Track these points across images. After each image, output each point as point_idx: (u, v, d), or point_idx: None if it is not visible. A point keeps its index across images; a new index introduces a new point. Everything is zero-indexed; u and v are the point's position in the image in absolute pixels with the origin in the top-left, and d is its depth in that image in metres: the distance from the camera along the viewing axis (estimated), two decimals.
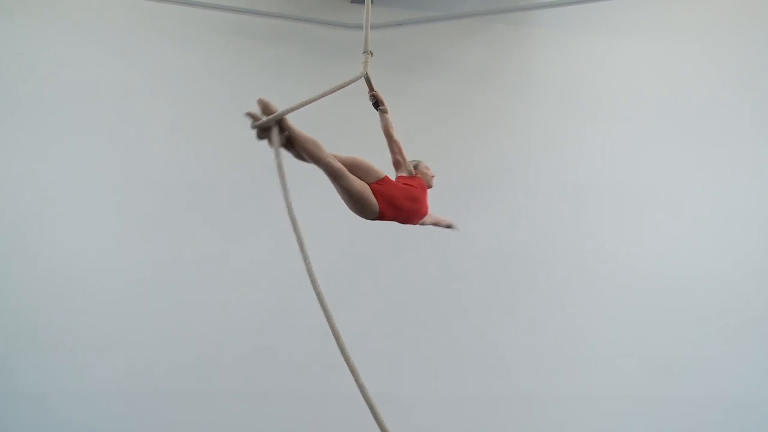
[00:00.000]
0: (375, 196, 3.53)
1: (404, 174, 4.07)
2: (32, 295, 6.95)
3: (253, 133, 3.16)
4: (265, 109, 3.16)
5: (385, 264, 7.11)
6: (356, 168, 3.53)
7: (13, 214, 7.10)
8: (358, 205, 3.50)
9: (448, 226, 4.45)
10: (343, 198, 3.49)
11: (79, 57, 7.49)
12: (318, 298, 2.79)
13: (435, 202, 7.04)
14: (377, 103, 4.22)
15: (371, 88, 4.22)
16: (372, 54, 4.06)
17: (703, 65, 7.56)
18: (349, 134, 6.81)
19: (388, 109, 4.22)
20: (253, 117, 3.14)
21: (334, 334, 2.65)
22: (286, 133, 3.24)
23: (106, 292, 6.99)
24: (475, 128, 7.48)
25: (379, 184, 3.57)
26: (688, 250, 7.19)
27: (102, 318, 6.94)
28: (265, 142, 3.19)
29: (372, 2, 7.41)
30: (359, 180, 3.49)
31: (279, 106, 7.59)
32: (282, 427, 6.86)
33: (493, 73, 7.62)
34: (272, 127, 3.16)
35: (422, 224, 4.06)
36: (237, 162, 7.33)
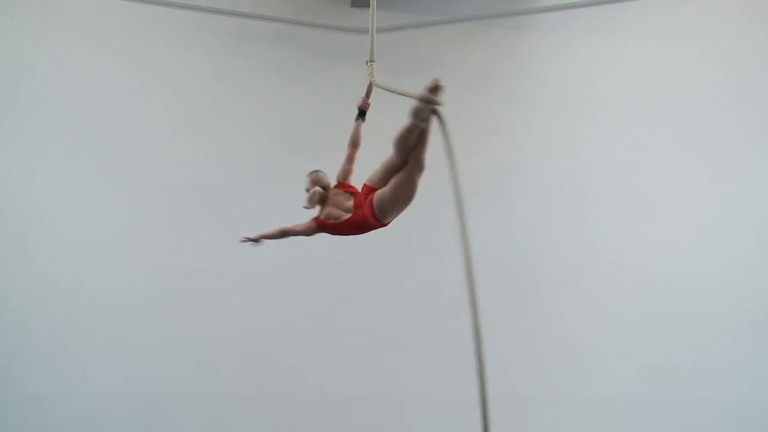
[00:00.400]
0: None
1: (348, 183, 4.12)
2: (32, 297, 6.95)
3: (420, 104, 3.43)
4: (437, 92, 3.36)
5: (385, 268, 7.14)
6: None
7: (13, 215, 7.10)
8: (404, 202, 3.73)
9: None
10: (401, 189, 3.70)
11: (79, 58, 7.49)
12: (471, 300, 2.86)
13: (435, 206, 7.07)
14: (364, 112, 4.29)
15: (368, 96, 4.31)
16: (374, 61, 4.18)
17: (705, 68, 7.57)
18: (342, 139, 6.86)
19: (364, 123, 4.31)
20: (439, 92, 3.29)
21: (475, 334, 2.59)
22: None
23: (105, 294, 6.99)
24: (475, 132, 7.49)
25: None
26: (687, 252, 7.20)
27: (102, 320, 6.94)
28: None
29: (361, 6, 7.49)
30: None
31: (278, 108, 7.63)
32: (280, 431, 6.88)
33: (493, 77, 7.64)
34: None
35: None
36: (237, 164, 7.34)
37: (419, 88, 6.79)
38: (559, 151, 7.46)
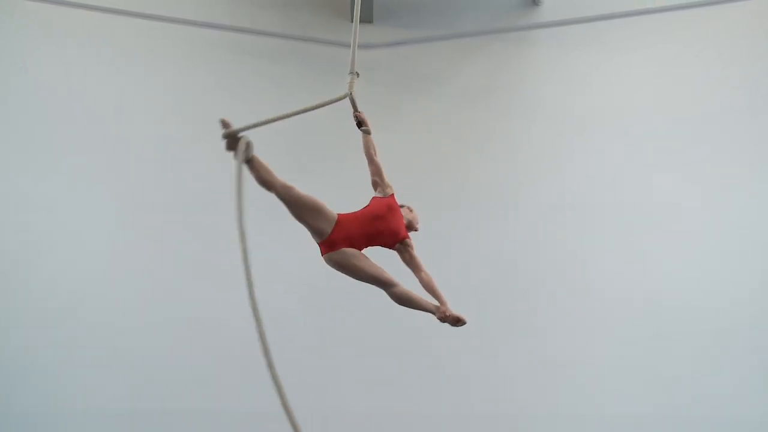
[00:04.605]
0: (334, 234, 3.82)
1: (380, 195, 4.11)
2: (30, 312, 6.91)
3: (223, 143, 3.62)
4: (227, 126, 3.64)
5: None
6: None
7: (10, 232, 7.09)
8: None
9: (447, 317, 4.19)
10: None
11: (78, 75, 7.52)
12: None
13: (432, 219, 7.04)
14: (360, 123, 4.28)
15: (355, 109, 4.28)
16: (358, 75, 4.21)
17: (704, 82, 7.58)
18: (332, 155, 6.83)
19: (371, 131, 4.28)
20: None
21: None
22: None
23: (104, 310, 6.96)
24: (471, 146, 7.49)
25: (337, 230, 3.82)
26: (688, 268, 7.15)
27: (100, 336, 6.89)
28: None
29: (363, 22, 7.54)
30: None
31: (278, 122, 7.60)
32: None
33: (490, 92, 7.65)
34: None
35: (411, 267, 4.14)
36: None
37: (417, 103, 6.98)
38: (557, 164, 7.45)
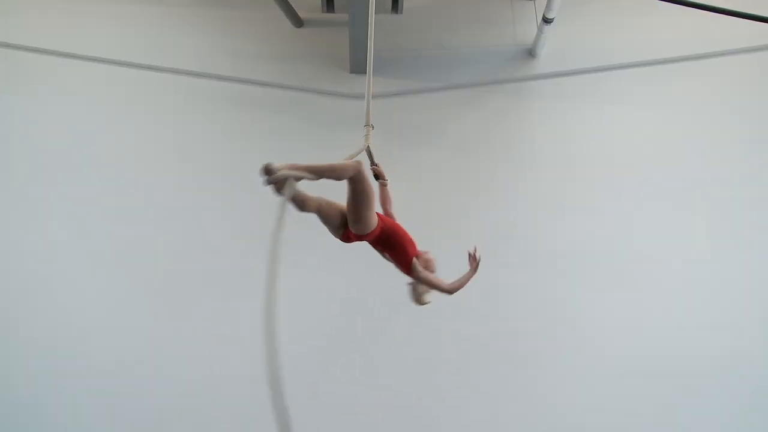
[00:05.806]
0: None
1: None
2: (31, 361, 6.89)
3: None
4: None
5: (382, 337, 7.11)
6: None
7: (9, 282, 7.10)
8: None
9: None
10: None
11: (80, 127, 7.61)
12: None
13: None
14: (377, 176, 4.35)
15: (372, 162, 4.34)
16: (373, 127, 4.27)
17: (698, 136, 7.65)
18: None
19: (388, 183, 4.34)
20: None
21: None
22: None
23: (105, 359, 6.91)
24: (467, 196, 7.50)
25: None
26: (683, 313, 7.12)
27: (103, 385, 6.85)
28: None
29: (359, 73, 7.62)
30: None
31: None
32: None
33: (486, 142, 7.71)
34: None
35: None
36: (239, 230, 7.32)
37: (415, 152, 7.02)
38: (552, 214, 7.45)
